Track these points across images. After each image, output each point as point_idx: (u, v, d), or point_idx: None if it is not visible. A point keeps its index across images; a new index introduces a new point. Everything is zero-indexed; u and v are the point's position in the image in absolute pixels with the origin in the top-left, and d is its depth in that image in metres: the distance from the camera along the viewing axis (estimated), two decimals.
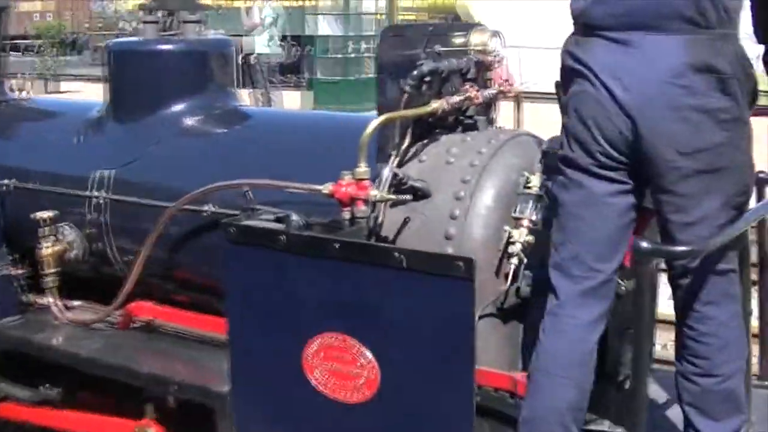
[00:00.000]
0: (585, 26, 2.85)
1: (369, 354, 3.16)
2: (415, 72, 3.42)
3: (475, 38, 3.75)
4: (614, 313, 3.18)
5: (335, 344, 3.22)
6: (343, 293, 3.20)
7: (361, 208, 3.33)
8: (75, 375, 4.10)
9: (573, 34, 2.92)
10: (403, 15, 27.43)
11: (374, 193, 3.29)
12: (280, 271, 3.32)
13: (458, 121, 3.73)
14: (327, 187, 3.38)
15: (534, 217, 3.31)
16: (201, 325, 4.00)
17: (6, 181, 4.59)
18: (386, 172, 3.37)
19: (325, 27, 23.41)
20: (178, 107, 4.29)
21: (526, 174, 3.41)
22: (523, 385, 3.18)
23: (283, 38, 17.92)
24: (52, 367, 4.16)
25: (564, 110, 2.96)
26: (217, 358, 3.82)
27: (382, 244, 3.26)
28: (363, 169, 3.32)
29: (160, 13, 4.51)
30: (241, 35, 17.88)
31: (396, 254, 3.04)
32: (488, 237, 3.33)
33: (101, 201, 4.27)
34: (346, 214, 3.35)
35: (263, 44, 18.03)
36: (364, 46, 23.48)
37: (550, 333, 2.95)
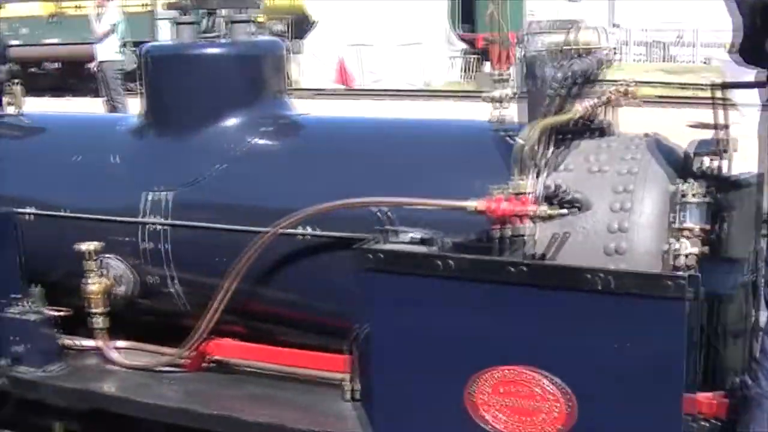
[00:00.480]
0: None
1: (550, 386, 2.86)
2: (559, 74, 3.13)
3: (584, 36, 3.49)
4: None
5: (509, 377, 2.90)
6: (523, 321, 2.88)
7: (522, 225, 3.03)
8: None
9: None
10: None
11: (542, 208, 2.99)
12: (439, 301, 2.97)
13: (584, 125, 3.46)
14: (476, 203, 3.05)
15: (705, 227, 3.08)
16: (302, 363, 3.59)
17: (28, 210, 4.03)
18: (541, 184, 3.08)
19: (168, 33, 22.57)
20: (237, 119, 3.83)
21: (680, 181, 3.17)
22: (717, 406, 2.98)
23: (125, 44, 17.11)
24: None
25: None
26: (327, 399, 3.46)
27: (580, 266, 2.93)
28: (523, 182, 3.02)
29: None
30: (92, 42, 17.14)
31: (600, 276, 2.75)
32: (655, 250, 3.08)
33: (158, 228, 3.77)
34: (501, 232, 3.04)
35: (108, 51, 17.20)
36: None
37: None
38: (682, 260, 3.02)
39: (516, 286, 2.84)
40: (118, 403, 3.63)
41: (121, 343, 3.92)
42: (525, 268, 2.83)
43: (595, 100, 3.34)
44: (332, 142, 3.77)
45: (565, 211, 3.05)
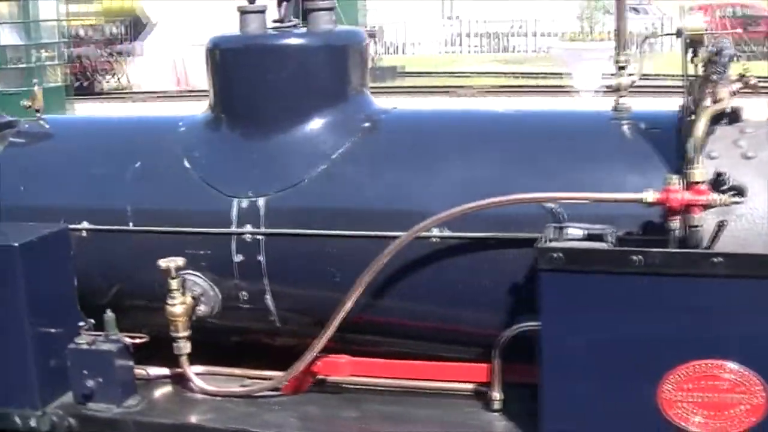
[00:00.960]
0: None
1: (745, 377, 2.78)
2: (723, 58, 3.06)
3: (689, 22, 3.45)
4: None
5: (702, 372, 2.81)
6: (721, 314, 2.79)
7: (698, 216, 2.94)
8: None
9: None
10: (81, 20, 25.68)
11: (723, 197, 2.91)
12: (631, 298, 2.84)
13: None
14: (653, 194, 2.94)
15: None
16: (438, 375, 3.34)
17: (84, 225, 3.58)
18: (709, 172, 3.00)
19: (6, 37, 21.37)
20: (330, 116, 3.52)
21: None
22: None
23: None
24: None
25: None
26: (465, 412, 3.26)
27: None
28: (700, 170, 2.93)
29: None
30: None
31: None
32: None
33: (250, 238, 3.43)
34: (676, 223, 2.95)
35: None
36: (45, 54, 21.87)
37: None
38: None
39: (715, 278, 2.76)
40: None
41: (203, 368, 3.54)
42: (722, 259, 2.75)
43: (742, 86, 3.26)
44: (445, 138, 3.52)
45: (742, 199, 2.98)
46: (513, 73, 26.18)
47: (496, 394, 3.24)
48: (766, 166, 3.12)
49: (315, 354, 3.30)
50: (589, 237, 3.01)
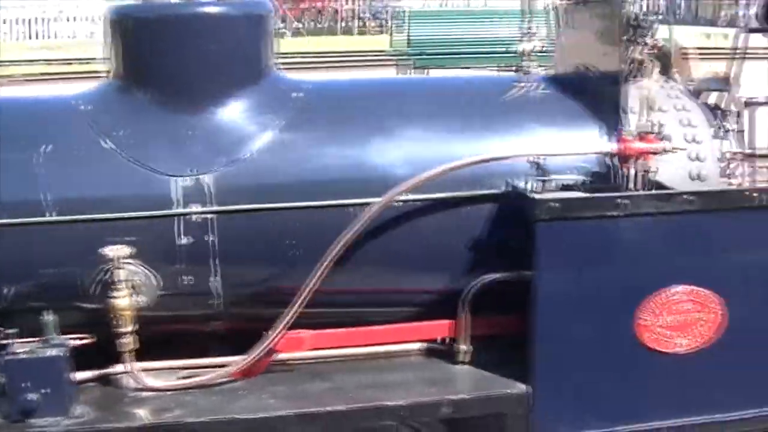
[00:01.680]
0: None
1: (709, 298, 3.20)
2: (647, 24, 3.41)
3: None
4: None
5: (674, 298, 3.18)
6: (690, 244, 3.16)
7: (647, 161, 3.28)
8: None
9: None
10: None
11: (670, 144, 3.27)
12: (614, 238, 3.12)
13: None
14: (613, 146, 3.24)
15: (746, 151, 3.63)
16: (405, 336, 3.35)
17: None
18: (643, 122, 3.34)
19: None
20: (262, 86, 3.36)
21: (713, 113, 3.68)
22: None
23: None
24: None
25: None
26: (436, 367, 3.33)
27: (739, 188, 3.26)
28: (647, 122, 3.27)
29: None
30: None
31: (751, 194, 3.15)
32: (719, 174, 3.54)
33: (198, 218, 3.18)
34: (632, 170, 3.26)
35: None
36: None
37: None
38: (737, 180, 3.56)
39: (682, 214, 3.12)
40: (204, 428, 3.04)
41: (153, 364, 3.23)
42: (693, 197, 3.13)
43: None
44: (382, 105, 3.47)
45: (684, 145, 3.37)
46: (56, 60, 24.91)
47: (463, 347, 3.35)
48: (675, 116, 3.54)
49: (280, 331, 3.18)
50: (563, 187, 3.23)
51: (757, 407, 3.29)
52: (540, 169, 3.25)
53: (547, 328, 3.13)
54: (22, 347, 2.98)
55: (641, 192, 3.16)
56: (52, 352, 2.99)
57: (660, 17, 3.51)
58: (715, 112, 3.68)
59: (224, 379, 3.23)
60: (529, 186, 3.21)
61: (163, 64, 3.28)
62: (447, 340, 3.38)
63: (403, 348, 3.41)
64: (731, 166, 3.55)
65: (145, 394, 3.17)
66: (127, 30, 3.29)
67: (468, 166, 3.22)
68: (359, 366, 3.37)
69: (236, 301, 3.30)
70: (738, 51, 3.88)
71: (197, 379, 3.22)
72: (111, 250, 3.05)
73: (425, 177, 3.17)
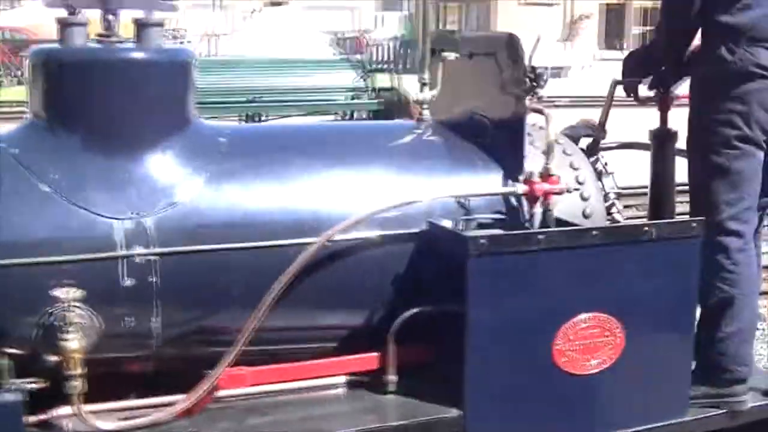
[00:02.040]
0: (753, 38, 3.76)
1: (617, 322, 3.58)
2: (542, 80, 3.78)
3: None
4: None
5: (581, 324, 3.53)
6: (598, 275, 3.55)
7: (550, 201, 3.64)
8: None
9: (734, 43, 3.76)
10: None
11: (569, 185, 3.67)
12: (534, 270, 3.45)
13: None
14: (523, 188, 3.60)
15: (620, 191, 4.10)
16: (337, 370, 3.53)
17: None
18: (541, 166, 3.70)
19: None
20: (188, 131, 3.48)
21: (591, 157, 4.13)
22: None
23: None
24: None
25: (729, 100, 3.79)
26: (366, 399, 3.57)
27: (634, 223, 3.65)
28: (550, 166, 3.64)
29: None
30: None
31: (646, 229, 3.58)
32: (603, 211, 3.98)
33: (142, 260, 3.23)
34: (539, 209, 3.62)
35: None
36: None
37: (744, 265, 3.85)
38: (618, 216, 4.01)
39: (591, 247, 3.50)
40: None
41: (100, 406, 3.23)
42: (598, 233, 3.52)
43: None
44: (305, 149, 3.67)
45: (578, 185, 3.77)
46: None
47: (392, 377, 3.57)
48: (563, 159, 3.93)
49: (223, 369, 3.29)
50: (479, 225, 3.55)
51: (657, 421, 3.70)
52: (462, 209, 3.56)
53: (477, 355, 3.40)
54: None
55: (557, 229, 3.52)
56: (7, 398, 2.96)
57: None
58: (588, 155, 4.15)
59: (169, 418, 3.30)
60: (452, 225, 3.50)
61: (92, 108, 3.34)
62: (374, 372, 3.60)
63: (331, 381, 3.59)
64: (607, 204, 4.00)
65: None
66: (51, 73, 3.34)
67: (397, 207, 3.48)
68: (291, 400, 3.52)
69: (175, 341, 3.37)
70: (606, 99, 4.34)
71: (144, 419, 3.26)
72: (62, 293, 3.07)
73: (355, 220, 3.41)
